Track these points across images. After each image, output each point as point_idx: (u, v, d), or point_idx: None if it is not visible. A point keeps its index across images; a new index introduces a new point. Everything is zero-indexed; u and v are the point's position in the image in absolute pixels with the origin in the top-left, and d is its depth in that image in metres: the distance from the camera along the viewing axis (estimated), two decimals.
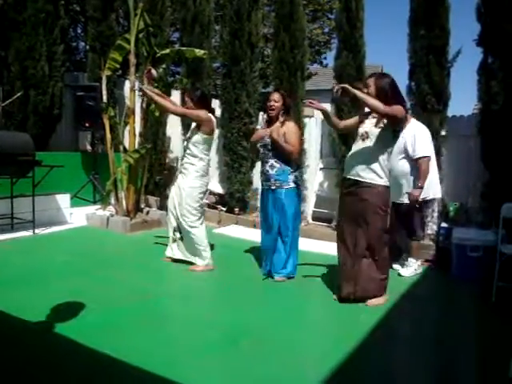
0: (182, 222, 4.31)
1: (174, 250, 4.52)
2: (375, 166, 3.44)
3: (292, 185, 4.11)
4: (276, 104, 4.08)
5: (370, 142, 3.47)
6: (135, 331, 2.95)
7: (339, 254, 3.65)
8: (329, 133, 6.45)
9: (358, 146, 3.57)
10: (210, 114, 4.29)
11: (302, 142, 4.18)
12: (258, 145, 4.21)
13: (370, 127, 3.49)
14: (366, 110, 3.57)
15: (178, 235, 4.46)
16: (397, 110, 3.35)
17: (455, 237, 4.71)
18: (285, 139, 4.02)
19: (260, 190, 4.39)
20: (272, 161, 4.10)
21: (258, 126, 7.32)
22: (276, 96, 4.10)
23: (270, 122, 4.20)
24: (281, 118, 4.11)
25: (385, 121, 3.41)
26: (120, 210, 6.18)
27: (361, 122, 3.63)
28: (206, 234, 4.44)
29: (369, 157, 3.46)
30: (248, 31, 6.85)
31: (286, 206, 4.09)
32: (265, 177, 4.18)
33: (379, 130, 3.44)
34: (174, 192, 4.45)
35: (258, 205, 4.61)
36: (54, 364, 2.50)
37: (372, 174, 3.45)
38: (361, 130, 3.58)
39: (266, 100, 4.20)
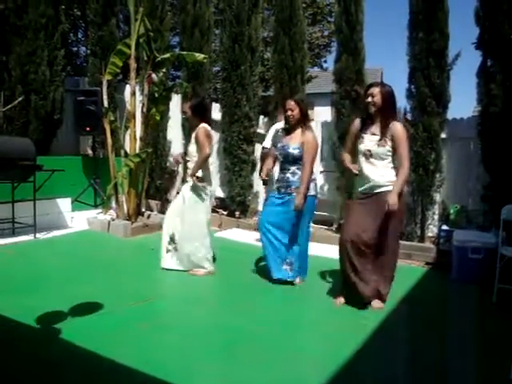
0: (186, 230, 4.28)
1: (168, 261, 4.41)
2: (388, 176, 3.47)
3: (312, 192, 4.10)
4: (293, 113, 4.02)
5: (375, 160, 3.49)
6: (135, 335, 2.95)
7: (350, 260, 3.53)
8: (329, 136, 6.46)
9: (363, 164, 3.56)
10: (206, 127, 4.27)
11: (317, 151, 4.12)
12: (278, 153, 4.16)
13: (372, 146, 3.48)
14: (357, 122, 3.65)
15: (173, 246, 4.38)
16: (406, 151, 3.43)
17: (456, 239, 4.72)
18: (303, 149, 3.99)
19: (271, 196, 4.26)
20: (294, 168, 4.06)
21: (260, 130, 7.35)
22: (292, 104, 4.02)
23: (289, 130, 4.15)
24: (301, 127, 4.05)
25: (389, 142, 3.43)
26: (121, 214, 6.19)
27: (358, 137, 3.61)
28: (211, 238, 4.44)
29: (378, 172, 3.48)
30: (248, 35, 6.87)
31: (308, 213, 4.10)
32: (284, 183, 4.10)
33: (382, 149, 3.44)
34: (177, 200, 4.43)
35: (260, 209, 4.53)
36: (54, 368, 2.50)
37: (387, 184, 3.45)
38: (362, 147, 3.55)
39: (283, 108, 4.12)
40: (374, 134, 3.50)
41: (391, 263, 3.59)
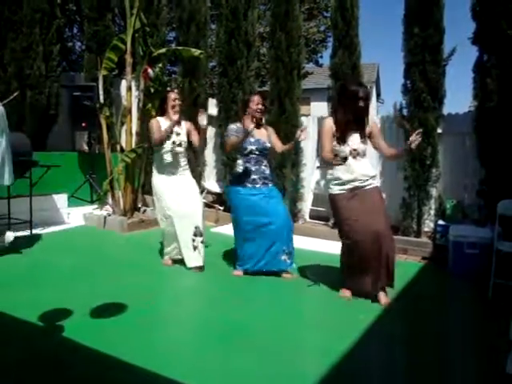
0: (202, 221, 4.35)
1: (196, 258, 4.27)
2: (374, 172, 3.74)
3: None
4: (264, 107, 4.27)
5: (361, 158, 3.66)
6: (133, 330, 2.96)
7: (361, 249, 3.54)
8: None
9: (352, 162, 3.61)
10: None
11: None
12: (254, 147, 4.15)
13: (358, 144, 3.63)
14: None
15: (199, 239, 4.25)
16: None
17: (452, 234, 4.74)
18: (272, 140, 4.29)
19: (247, 191, 4.15)
20: (266, 161, 4.28)
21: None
22: (261, 99, 4.22)
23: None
24: (263, 121, 4.31)
25: (367, 136, 3.72)
26: (117, 210, 6.18)
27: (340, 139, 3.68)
28: None
29: (366, 168, 3.67)
30: (244, 30, 6.84)
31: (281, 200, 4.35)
32: (261, 175, 4.18)
33: (365, 146, 3.70)
34: (186, 196, 4.32)
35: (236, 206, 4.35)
36: (54, 364, 2.51)
37: (375, 179, 3.72)
38: (347, 148, 3.60)
39: (247, 102, 4.25)
40: (356, 133, 3.69)
41: (393, 254, 3.63)
